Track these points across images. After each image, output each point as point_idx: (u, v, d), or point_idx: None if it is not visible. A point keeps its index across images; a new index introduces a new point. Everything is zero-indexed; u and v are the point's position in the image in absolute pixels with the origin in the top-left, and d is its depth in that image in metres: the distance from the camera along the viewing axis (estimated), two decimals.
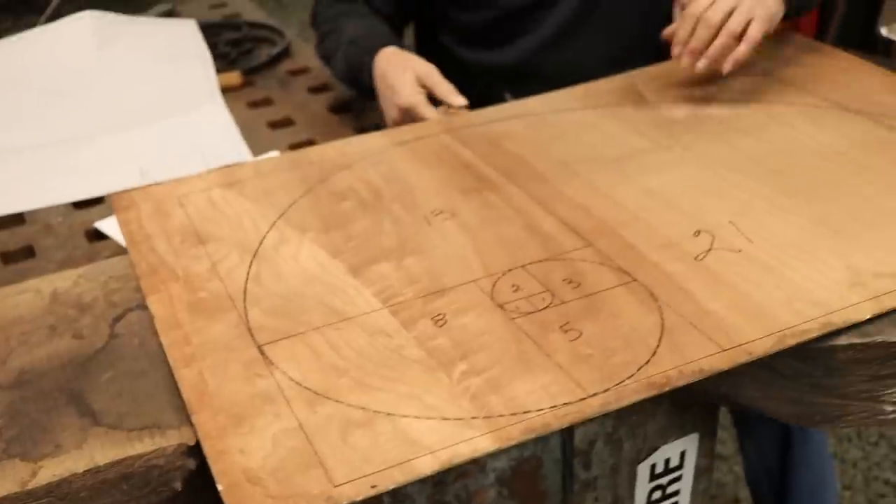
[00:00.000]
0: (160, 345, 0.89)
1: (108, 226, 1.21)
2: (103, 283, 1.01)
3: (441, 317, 0.90)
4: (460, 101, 1.29)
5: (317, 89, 1.62)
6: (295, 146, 1.40)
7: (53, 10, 1.79)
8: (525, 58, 1.50)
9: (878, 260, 0.95)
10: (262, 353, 0.86)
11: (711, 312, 0.89)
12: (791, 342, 0.85)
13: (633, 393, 0.80)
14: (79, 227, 1.23)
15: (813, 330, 0.86)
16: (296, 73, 1.69)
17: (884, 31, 2.20)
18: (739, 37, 1.22)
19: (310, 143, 1.41)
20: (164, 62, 1.63)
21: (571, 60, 1.45)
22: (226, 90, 1.60)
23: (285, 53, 1.77)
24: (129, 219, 1.10)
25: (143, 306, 0.96)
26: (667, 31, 1.32)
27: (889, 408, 0.89)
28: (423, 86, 1.30)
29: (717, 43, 1.20)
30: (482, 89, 1.43)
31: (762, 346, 0.84)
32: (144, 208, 1.12)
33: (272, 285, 0.97)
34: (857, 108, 1.26)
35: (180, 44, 1.69)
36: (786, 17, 1.29)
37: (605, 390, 0.80)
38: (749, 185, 1.10)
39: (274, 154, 1.35)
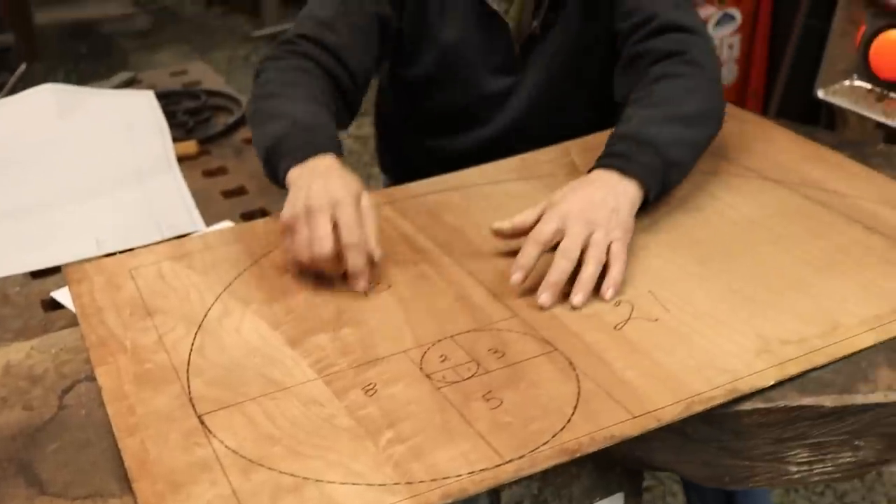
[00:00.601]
0: (106, 415, 0.94)
1: (64, 295, 1.25)
2: (54, 354, 1.06)
3: (372, 386, 0.96)
4: (377, 252, 1.12)
5: None
6: (247, 215, 1.46)
7: (16, 80, 1.84)
8: (477, 147, 1.57)
9: (785, 327, 1.02)
10: (202, 422, 0.92)
11: (626, 381, 0.95)
12: (698, 408, 0.91)
13: (546, 459, 0.85)
14: (35, 297, 1.27)
15: (719, 397, 0.92)
16: (251, 141, 1.75)
17: (820, 94, 2.30)
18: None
19: (262, 212, 1.47)
20: (122, 133, 1.69)
21: (524, 150, 1.51)
22: (182, 159, 1.65)
23: (241, 122, 1.82)
24: (81, 291, 1.16)
25: (92, 378, 1.01)
26: (498, 226, 1.19)
27: (794, 468, 0.96)
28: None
29: (589, 273, 1.09)
30: (435, 170, 1.48)
31: (671, 413, 0.90)
32: (97, 281, 1.18)
33: (215, 357, 1.02)
34: (777, 177, 1.34)
35: (138, 114, 1.75)
36: (644, 205, 1.22)
37: (521, 456, 0.86)
38: (669, 255, 1.17)
39: (226, 223, 1.41)
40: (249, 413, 0.93)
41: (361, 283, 1.10)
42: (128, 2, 5.68)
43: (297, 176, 1.18)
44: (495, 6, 1.44)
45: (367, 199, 1.14)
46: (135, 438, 0.90)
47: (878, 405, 0.92)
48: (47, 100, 1.72)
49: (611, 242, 1.12)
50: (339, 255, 1.11)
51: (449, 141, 1.57)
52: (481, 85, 1.54)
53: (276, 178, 1.25)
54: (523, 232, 1.15)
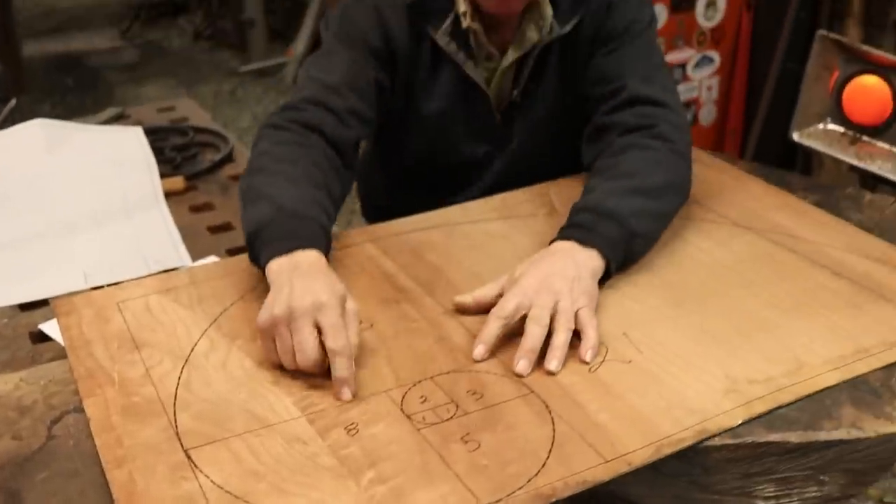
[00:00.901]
0: (94, 446, 0.97)
1: (52, 328, 1.27)
2: (43, 386, 1.09)
3: (354, 426, 0.99)
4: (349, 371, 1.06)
5: None
6: (232, 251, 1.48)
7: (7, 114, 1.87)
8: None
9: (753, 367, 1.06)
10: (189, 456, 0.94)
11: (599, 424, 0.98)
12: (667, 451, 0.95)
13: (521, 503, 0.88)
14: (23, 329, 1.29)
15: (688, 438, 0.96)
16: (237, 178, 1.78)
17: (795, 137, 2.35)
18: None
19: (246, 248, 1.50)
20: (110, 167, 1.72)
21: None
22: (169, 194, 1.68)
23: (228, 158, 1.86)
24: (69, 324, 1.18)
25: (80, 409, 1.03)
26: (460, 300, 1.20)
27: (761, 502, 1.00)
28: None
29: (561, 340, 1.10)
30: None
31: (641, 457, 0.94)
32: (85, 314, 1.20)
33: (201, 391, 1.05)
34: (748, 223, 1.38)
35: (127, 150, 1.78)
36: (608, 276, 1.25)
37: (498, 500, 0.89)
38: (643, 298, 1.21)
39: (212, 259, 1.43)
40: (235, 449, 0.95)
41: (346, 392, 1.04)
42: (115, 35, 5.73)
43: (278, 271, 1.15)
44: (476, 77, 1.47)
45: (351, 303, 1.11)
46: (122, 470, 0.93)
47: (841, 441, 0.96)
48: (37, 134, 1.75)
49: (578, 310, 1.13)
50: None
51: (432, 203, 1.58)
52: (464, 151, 1.57)
53: (258, 264, 1.21)
54: (485, 306, 1.18)
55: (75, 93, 4.70)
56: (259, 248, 1.20)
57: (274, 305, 1.08)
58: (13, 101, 1.89)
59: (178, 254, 1.48)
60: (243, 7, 5.14)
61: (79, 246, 1.51)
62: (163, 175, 1.73)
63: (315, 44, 4.89)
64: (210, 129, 2.01)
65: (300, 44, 4.87)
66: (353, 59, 1.43)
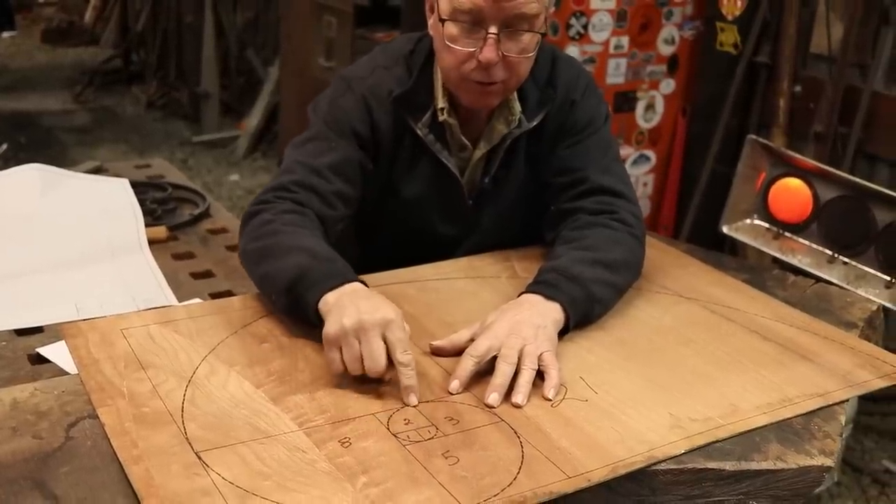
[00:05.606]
0: (111, 448, 1.08)
1: (51, 351, 1.37)
2: (57, 395, 1.19)
3: (347, 440, 1.11)
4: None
5: (234, 247, 1.82)
6: (215, 295, 1.60)
7: None
8: None
9: (693, 409, 1.22)
10: (200, 457, 1.06)
11: (562, 448, 1.12)
12: (622, 471, 1.09)
13: None
14: (21, 352, 1.39)
15: (639, 462, 1.10)
16: (215, 232, 1.91)
17: (725, 230, 2.55)
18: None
19: (229, 293, 1.61)
20: (100, 213, 1.83)
21: None
22: (153, 242, 1.80)
23: (206, 214, 1.98)
24: (77, 345, 1.29)
25: (94, 416, 1.14)
26: (437, 344, 1.34)
27: None
28: None
29: (525, 378, 1.24)
30: None
31: (599, 475, 1.08)
32: (91, 337, 1.31)
33: (205, 406, 1.16)
34: (689, 295, 1.55)
35: (114, 199, 1.89)
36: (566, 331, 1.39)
37: None
38: (597, 350, 1.36)
39: (197, 301, 1.55)
40: (241, 454, 1.07)
41: (413, 398, 1.20)
42: (67, 98, 5.82)
43: (337, 297, 1.27)
44: (451, 166, 1.59)
45: (406, 325, 1.25)
46: (140, 467, 1.04)
47: (768, 471, 1.12)
48: (33, 178, 1.86)
49: (542, 353, 1.28)
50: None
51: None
52: (437, 232, 1.68)
53: (301, 307, 1.31)
54: (458, 348, 1.32)
55: (28, 150, 4.76)
56: (303, 290, 1.31)
57: (343, 317, 1.22)
58: (4, 146, 2.00)
59: (164, 295, 1.60)
60: (200, 79, 5.29)
61: (69, 282, 1.62)
62: (145, 225, 1.85)
63: (269, 119, 5.05)
64: (187, 186, 2.14)
65: (253, 119, 5.02)
66: (341, 145, 1.54)
